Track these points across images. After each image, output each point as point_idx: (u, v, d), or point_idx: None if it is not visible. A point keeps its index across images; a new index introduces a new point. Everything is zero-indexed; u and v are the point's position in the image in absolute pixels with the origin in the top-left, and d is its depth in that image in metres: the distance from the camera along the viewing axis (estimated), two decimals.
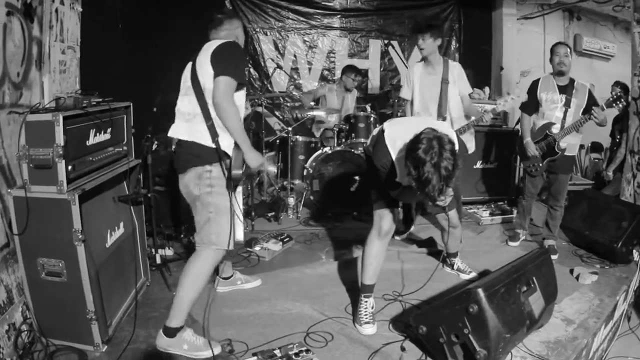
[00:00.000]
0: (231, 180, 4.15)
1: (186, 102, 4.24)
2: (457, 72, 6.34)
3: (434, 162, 3.66)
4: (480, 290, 3.88)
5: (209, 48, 4.21)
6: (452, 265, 6.11)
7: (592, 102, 6.46)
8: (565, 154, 6.68)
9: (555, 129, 6.62)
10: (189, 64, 4.34)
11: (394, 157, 4.26)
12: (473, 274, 5.95)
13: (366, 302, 4.89)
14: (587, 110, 6.41)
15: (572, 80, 6.60)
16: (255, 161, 4.28)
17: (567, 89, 6.57)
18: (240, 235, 6.13)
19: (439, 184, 3.71)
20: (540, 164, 6.79)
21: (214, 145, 4.11)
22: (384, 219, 4.77)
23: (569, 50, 6.59)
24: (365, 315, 4.83)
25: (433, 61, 6.24)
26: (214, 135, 4.10)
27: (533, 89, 6.90)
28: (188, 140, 4.18)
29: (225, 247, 4.23)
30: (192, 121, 4.18)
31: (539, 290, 4.53)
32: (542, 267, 4.76)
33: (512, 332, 4.05)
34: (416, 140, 3.80)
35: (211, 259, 4.22)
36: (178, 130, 4.27)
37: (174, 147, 4.43)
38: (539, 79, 6.89)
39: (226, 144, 4.15)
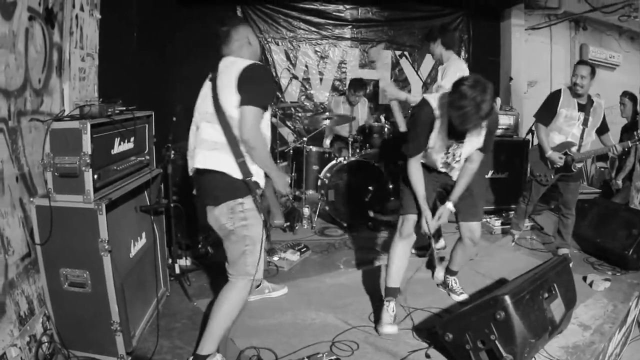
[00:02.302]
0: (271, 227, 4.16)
1: (211, 131, 4.02)
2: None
3: (475, 97, 4.12)
4: (507, 297, 3.94)
5: (231, 69, 4.02)
6: (446, 285, 5.93)
7: (604, 123, 6.60)
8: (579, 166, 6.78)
9: (575, 149, 6.66)
10: (208, 84, 4.17)
11: (434, 104, 4.67)
12: (464, 296, 5.77)
13: (387, 305, 5.02)
14: (600, 130, 6.59)
15: (590, 100, 6.61)
16: (284, 186, 4.31)
17: (585, 108, 6.58)
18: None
19: (476, 118, 4.21)
20: (553, 176, 6.87)
21: (245, 179, 3.97)
22: (405, 223, 5.07)
23: (589, 70, 6.47)
24: (386, 317, 4.95)
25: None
26: (246, 173, 3.95)
27: (554, 101, 6.80)
28: (218, 170, 3.98)
29: (260, 277, 4.21)
30: (220, 150, 3.98)
31: (559, 297, 4.59)
32: (562, 274, 4.84)
33: (536, 337, 4.10)
34: (463, 78, 4.32)
35: (246, 290, 4.14)
36: (206, 160, 4.04)
37: (190, 173, 4.25)
38: (559, 91, 6.81)
39: (259, 182, 4.07)
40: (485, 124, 4.61)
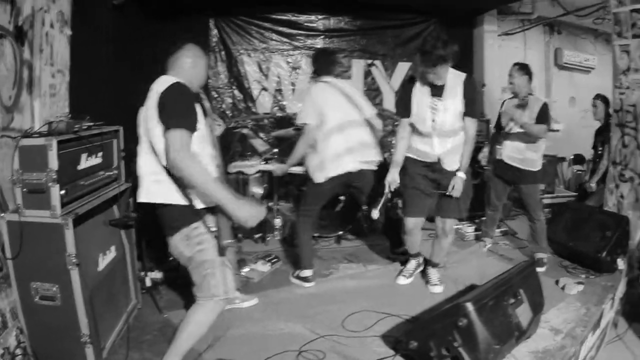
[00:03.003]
0: (223, 250, 4.08)
1: (149, 161, 3.95)
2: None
3: (437, 37, 5.38)
4: (469, 304, 4.00)
5: (153, 95, 3.88)
6: (425, 275, 6.42)
7: (542, 116, 6.80)
8: (522, 167, 7.04)
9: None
10: (141, 110, 4.04)
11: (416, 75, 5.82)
12: (438, 288, 6.17)
13: (408, 262, 6.59)
14: (538, 123, 6.78)
15: (527, 98, 7.01)
16: (249, 217, 3.88)
17: (523, 106, 6.95)
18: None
19: (442, 50, 5.21)
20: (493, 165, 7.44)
21: (191, 204, 3.93)
22: (406, 222, 6.08)
23: (517, 68, 7.08)
24: (403, 272, 6.52)
25: None
26: (188, 198, 3.92)
27: (500, 107, 7.45)
28: (166, 203, 3.95)
29: (228, 296, 4.16)
30: (161, 181, 3.92)
31: (526, 302, 4.65)
32: (529, 279, 4.89)
33: (501, 343, 4.14)
34: None
35: (215, 310, 4.13)
36: (151, 194, 3.99)
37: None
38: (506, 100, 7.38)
39: (200, 204, 3.98)
40: (460, 83, 5.58)
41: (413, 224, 6.06)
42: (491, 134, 7.76)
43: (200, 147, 3.95)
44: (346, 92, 6.28)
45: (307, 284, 6.28)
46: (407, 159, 5.97)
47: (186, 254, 4.04)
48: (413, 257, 6.53)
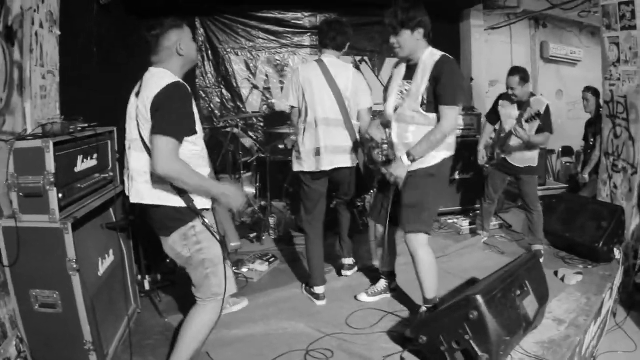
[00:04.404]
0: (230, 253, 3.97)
1: (142, 160, 3.72)
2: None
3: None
4: (479, 297, 3.98)
5: (149, 90, 3.59)
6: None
7: (544, 119, 6.75)
8: (521, 165, 7.10)
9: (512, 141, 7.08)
10: (132, 99, 3.81)
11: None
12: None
13: (379, 280, 5.88)
14: (539, 127, 6.81)
15: (528, 101, 6.96)
16: (236, 200, 3.87)
17: (523, 105, 6.94)
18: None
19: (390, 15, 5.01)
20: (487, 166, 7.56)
21: (188, 205, 3.71)
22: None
23: (517, 81, 6.86)
24: (372, 288, 5.86)
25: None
26: (188, 200, 3.69)
27: (496, 102, 7.43)
28: (159, 204, 3.72)
29: (229, 294, 4.03)
30: (153, 181, 3.69)
31: (532, 293, 4.66)
32: (533, 270, 4.90)
33: (511, 334, 4.15)
34: None
35: (216, 311, 3.99)
36: (142, 195, 3.76)
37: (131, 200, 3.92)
38: (503, 93, 7.30)
39: (204, 206, 3.80)
40: (430, 69, 4.71)
41: (379, 227, 5.52)
42: (484, 127, 7.77)
43: (199, 146, 3.82)
44: (336, 80, 5.60)
45: (318, 302, 5.80)
46: None
47: (184, 254, 3.85)
48: (385, 276, 5.83)
